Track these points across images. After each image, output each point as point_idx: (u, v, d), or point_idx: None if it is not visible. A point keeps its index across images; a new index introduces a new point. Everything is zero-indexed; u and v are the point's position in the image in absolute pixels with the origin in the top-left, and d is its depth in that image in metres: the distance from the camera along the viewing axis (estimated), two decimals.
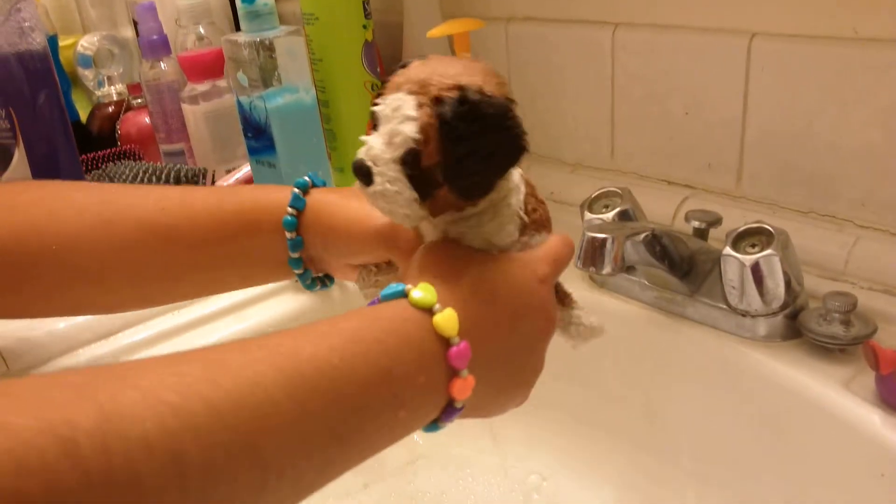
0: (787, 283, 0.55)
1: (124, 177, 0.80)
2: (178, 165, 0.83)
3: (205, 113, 0.90)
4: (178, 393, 0.28)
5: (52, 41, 1.00)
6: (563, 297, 0.46)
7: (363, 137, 0.39)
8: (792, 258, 0.56)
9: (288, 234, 0.46)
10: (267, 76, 0.77)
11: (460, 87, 0.37)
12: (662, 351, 0.63)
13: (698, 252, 0.61)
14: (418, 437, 0.38)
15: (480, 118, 0.37)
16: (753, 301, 0.56)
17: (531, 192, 0.44)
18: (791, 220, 0.64)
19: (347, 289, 0.69)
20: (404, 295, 0.37)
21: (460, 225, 0.41)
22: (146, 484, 0.26)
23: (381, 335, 0.35)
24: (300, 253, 0.47)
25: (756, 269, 0.54)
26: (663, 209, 0.72)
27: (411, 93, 0.37)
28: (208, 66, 0.90)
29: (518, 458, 0.70)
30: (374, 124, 0.39)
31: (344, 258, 0.48)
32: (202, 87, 0.90)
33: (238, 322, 0.65)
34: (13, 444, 0.24)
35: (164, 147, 0.95)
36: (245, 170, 0.90)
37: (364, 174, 0.38)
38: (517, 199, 0.42)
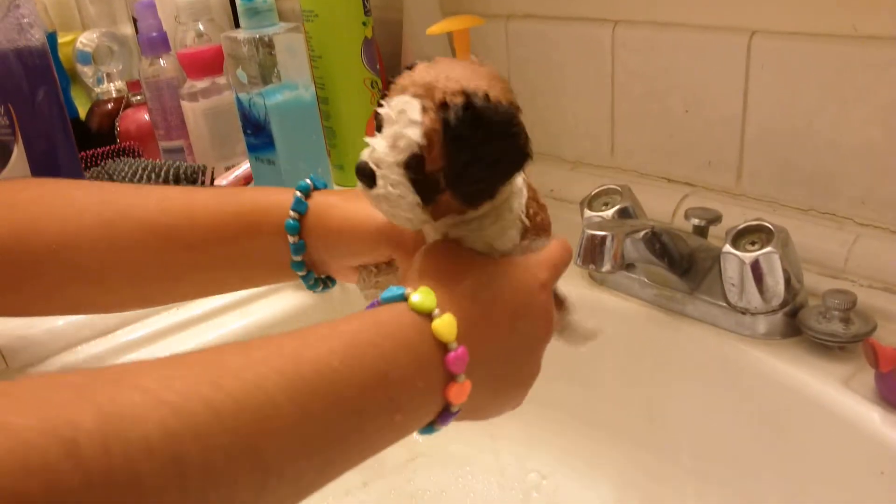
0: (787, 281, 0.55)
1: (123, 174, 0.80)
2: (178, 162, 0.83)
3: (204, 110, 0.90)
4: (179, 394, 0.28)
5: (52, 38, 1.00)
6: (559, 301, 0.46)
7: (367, 139, 0.39)
8: (792, 256, 0.55)
9: (290, 238, 0.46)
10: (266, 73, 0.77)
11: (466, 93, 0.36)
12: (662, 349, 0.63)
13: (698, 250, 0.61)
14: (417, 436, 0.38)
15: (485, 125, 0.36)
16: (753, 299, 0.55)
17: (533, 195, 0.44)
18: (791, 218, 0.64)
19: (347, 287, 0.69)
20: (404, 298, 0.37)
21: (462, 228, 0.41)
22: (146, 484, 0.26)
23: (380, 339, 0.35)
24: (302, 256, 0.47)
25: (756, 266, 0.54)
26: (663, 207, 0.72)
27: (416, 96, 0.37)
28: (207, 63, 0.90)
29: (517, 456, 0.70)
30: (377, 125, 0.39)
31: (346, 259, 0.48)
32: (201, 84, 0.90)
33: (238, 319, 0.65)
34: (14, 444, 0.24)
35: (163, 144, 0.95)
36: (244, 167, 0.90)
37: (367, 176, 0.38)
38: (519, 203, 0.42)
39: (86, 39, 1.02)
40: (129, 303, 0.54)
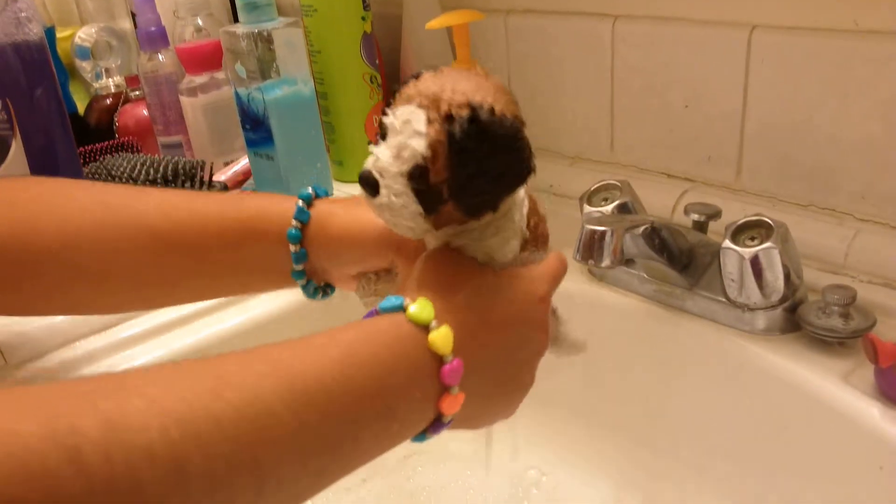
0: (787, 276, 0.55)
1: (122, 169, 0.80)
2: (176, 158, 0.83)
3: (203, 105, 0.90)
4: (180, 403, 0.28)
5: (50, 33, 1.00)
6: (550, 312, 0.46)
7: (371, 147, 0.39)
8: (791, 251, 0.55)
9: (292, 247, 0.46)
10: (265, 68, 0.77)
11: (472, 106, 0.37)
12: (661, 344, 0.63)
13: (697, 245, 0.61)
14: (409, 442, 0.38)
15: (490, 139, 0.37)
16: (752, 294, 0.55)
17: (534, 206, 0.44)
18: (791, 214, 0.64)
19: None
20: (402, 309, 0.37)
21: (463, 237, 0.41)
22: (148, 492, 0.26)
23: (378, 349, 0.35)
24: (303, 265, 0.47)
25: (755, 261, 0.54)
26: (663, 202, 0.72)
27: (422, 107, 0.37)
28: (206, 58, 0.89)
29: (517, 452, 0.70)
30: (381, 134, 0.39)
31: (347, 267, 0.48)
32: (200, 79, 0.90)
33: (235, 316, 0.65)
34: (17, 450, 0.24)
35: (161, 139, 0.95)
36: (243, 162, 0.90)
37: (370, 185, 0.38)
38: (521, 214, 0.42)
39: (84, 34, 1.02)
40: (128, 304, 0.54)
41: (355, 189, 0.80)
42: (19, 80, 0.65)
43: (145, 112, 0.97)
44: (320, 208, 0.47)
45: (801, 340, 0.56)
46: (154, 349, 0.61)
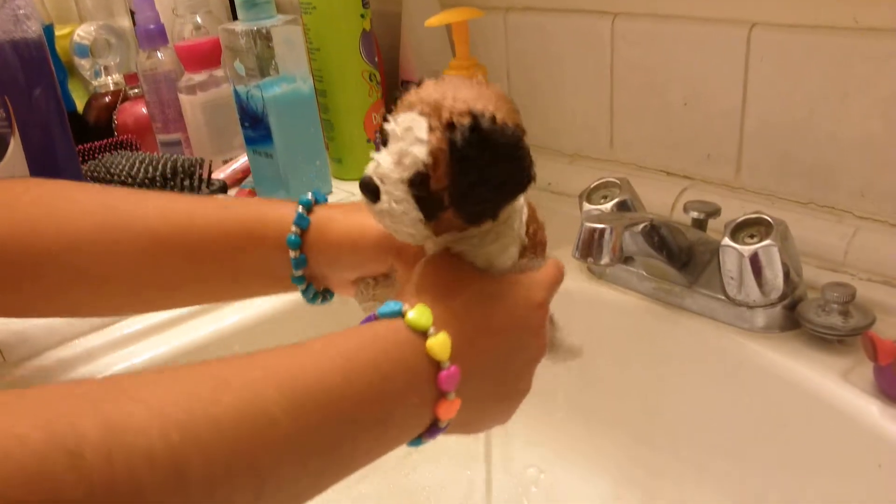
0: (786, 274, 0.54)
1: (121, 167, 0.80)
2: (175, 156, 0.82)
3: (202, 103, 0.89)
4: (182, 408, 0.29)
5: (48, 30, 0.99)
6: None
7: (372, 154, 0.39)
8: (791, 249, 0.55)
9: (292, 253, 0.46)
10: (264, 65, 0.77)
11: (473, 114, 0.37)
12: (660, 342, 0.63)
13: (697, 243, 0.61)
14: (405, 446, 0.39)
15: (491, 147, 0.37)
16: (752, 292, 0.55)
17: (532, 214, 0.44)
18: (790, 211, 0.64)
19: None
20: (401, 314, 0.37)
21: (462, 244, 0.41)
22: (148, 495, 0.26)
23: (376, 355, 0.35)
24: (303, 270, 0.47)
25: (755, 259, 0.54)
26: (662, 200, 0.72)
27: (423, 114, 0.37)
28: (205, 56, 0.89)
29: (516, 450, 0.70)
30: (382, 140, 0.40)
31: (347, 273, 0.48)
32: (199, 76, 0.90)
33: (234, 313, 0.65)
34: (18, 452, 0.24)
35: (160, 137, 0.95)
36: (242, 160, 0.90)
37: (371, 191, 0.39)
38: (520, 221, 0.42)
39: (83, 32, 1.02)
40: (127, 307, 0.54)
41: (354, 187, 0.80)
42: (18, 78, 0.64)
43: (144, 110, 0.96)
44: (320, 214, 0.47)
45: (801, 338, 0.56)
46: (152, 347, 0.61)
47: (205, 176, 0.81)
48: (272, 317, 0.65)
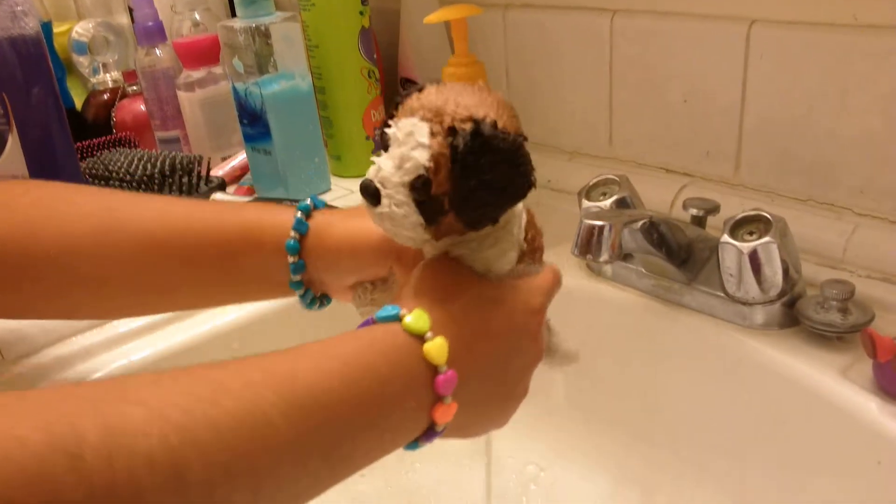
0: (785, 271, 0.54)
1: (119, 164, 0.80)
2: (174, 153, 0.82)
3: (200, 100, 0.89)
4: (182, 411, 0.29)
5: (46, 27, 0.99)
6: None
7: (373, 158, 0.40)
8: (790, 246, 0.55)
9: (290, 258, 0.46)
10: (263, 62, 0.76)
11: (475, 120, 0.37)
12: (659, 339, 0.63)
13: (696, 240, 0.61)
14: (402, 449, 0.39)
15: (492, 152, 0.37)
16: (751, 289, 0.55)
17: (531, 220, 0.44)
18: (789, 208, 0.64)
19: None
20: (398, 319, 0.37)
21: (461, 248, 0.42)
22: (148, 498, 0.27)
23: (374, 359, 0.36)
24: (301, 275, 0.47)
25: (754, 256, 0.54)
26: (661, 197, 0.72)
27: (425, 119, 0.38)
28: (204, 53, 0.89)
29: (515, 448, 0.69)
30: (383, 145, 0.40)
31: (346, 277, 0.48)
32: (198, 73, 0.89)
33: (231, 311, 0.65)
34: (18, 454, 0.25)
35: (159, 134, 0.94)
36: (241, 157, 0.90)
37: (371, 195, 0.39)
38: (519, 227, 0.43)
39: (81, 29, 1.02)
40: (126, 310, 0.55)
41: (353, 184, 0.80)
42: (15, 75, 0.64)
43: (143, 107, 0.96)
44: (319, 219, 0.47)
45: (800, 335, 0.56)
46: (150, 345, 0.61)
47: (203, 173, 0.81)
48: (270, 314, 0.65)
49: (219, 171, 0.88)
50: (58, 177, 0.69)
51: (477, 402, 0.40)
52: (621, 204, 0.63)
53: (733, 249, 0.55)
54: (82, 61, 1.02)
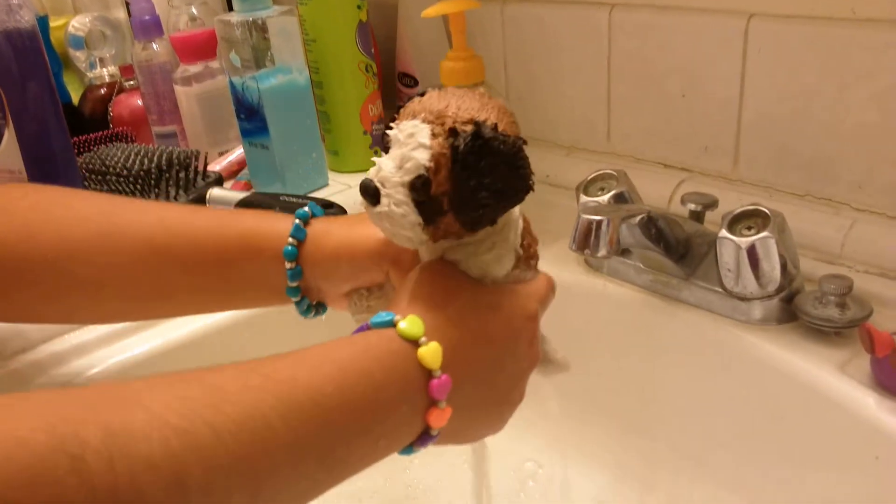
0: (783, 266, 0.54)
1: (116, 159, 0.80)
2: (171, 148, 0.82)
3: (197, 94, 0.89)
4: (182, 416, 0.29)
5: (43, 22, 0.99)
6: None
7: (374, 158, 0.40)
8: (788, 241, 0.55)
9: (288, 264, 0.47)
10: (260, 57, 0.76)
11: (476, 122, 0.38)
12: (657, 335, 0.63)
13: (694, 235, 0.61)
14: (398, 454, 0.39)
15: (493, 154, 0.38)
16: (749, 284, 0.55)
17: (527, 227, 0.45)
18: (788, 204, 0.64)
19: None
20: (393, 325, 0.38)
21: (458, 252, 0.42)
22: (149, 501, 0.27)
23: (369, 365, 0.36)
24: (298, 282, 0.47)
25: (752, 251, 0.54)
26: (659, 192, 0.72)
27: (427, 122, 0.39)
28: (201, 47, 0.89)
29: (512, 445, 0.69)
30: (385, 147, 0.41)
31: (342, 284, 0.48)
32: (195, 68, 0.89)
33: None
34: (22, 455, 0.25)
35: (156, 129, 0.94)
36: (238, 152, 0.89)
37: (371, 194, 0.39)
38: (515, 233, 0.43)
39: (78, 24, 1.01)
40: (123, 315, 0.55)
41: (351, 179, 0.80)
42: (11, 69, 0.64)
43: (140, 102, 0.96)
44: (317, 227, 0.48)
45: (798, 330, 0.56)
46: (146, 341, 0.61)
47: (200, 168, 0.81)
48: (269, 311, 0.65)
49: (216, 166, 0.88)
50: (54, 171, 0.69)
51: (472, 406, 0.41)
52: (619, 199, 0.63)
53: (731, 244, 0.55)
54: (79, 56, 1.02)
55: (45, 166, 0.68)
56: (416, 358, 0.37)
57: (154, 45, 0.91)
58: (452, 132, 0.38)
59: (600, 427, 0.68)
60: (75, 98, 1.03)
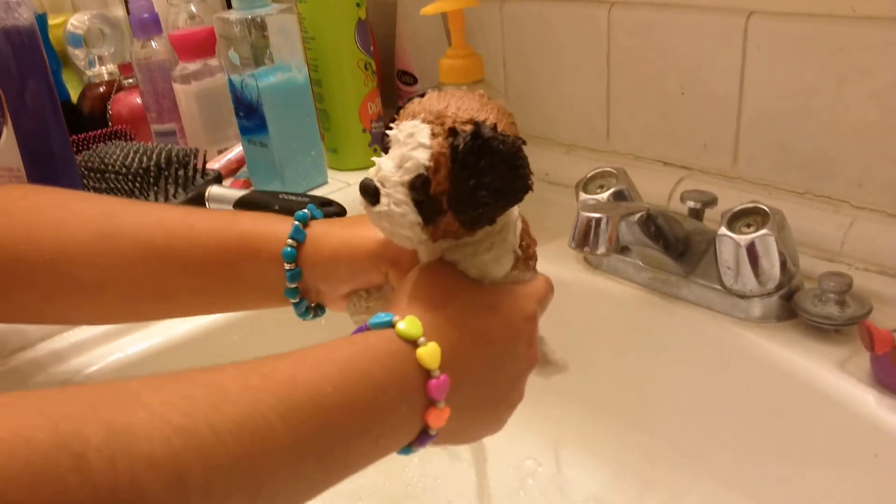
0: (783, 264, 0.54)
1: (115, 157, 0.79)
2: (170, 146, 0.82)
3: (196, 92, 0.89)
4: (183, 415, 0.29)
5: (42, 19, 0.99)
6: None
7: (373, 158, 0.40)
8: (787, 238, 0.55)
9: (287, 266, 0.47)
10: (259, 54, 0.76)
11: (475, 122, 0.38)
12: (657, 332, 0.63)
13: (693, 232, 0.61)
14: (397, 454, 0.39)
15: (492, 154, 0.38)
16: (748, 281, 0.55)
17: (526, 228, 0.45)
18: (787, 201, 0.64)
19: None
20: (391, 325, 0.38)
21: (457, 252, 0.42)
22: (150, 500, 0.27)
23: (369, 366, 0.36)
24: (297, 283, 0.47)
25: (751, 248, 0.54)
26: (659, 190, 0.72)
27: (426, 122, 0.39)
28: (200, 45, 0.89)
29: (512, 443, 0.69)
30: (384, 147, 0.41)
31: (341, 285, 0.48)
32: (194, 66, 0.89)
33: None
34: (25, 453, 0.25)
35: (155, 127, 0.94)
36: (237, 150, 0.89)
37: (371, 194, 0.40)
38: (514, 233, 0.43)
39: (77, 21, 1.01)
40: (122, 317, 0.55)
41: (350, 177, 0.80)
42: (9, 66, 0.64)
43: (138, 100, 0.96)
44: (316, 229, 0.48)
45: (797, 328, 0.56)
46: (146, 338, 0.61)
47: (199, 166, 0.81)
48: (268, 310, 0.65)
49: (215, 164, 0.88)
50: (53, 169, 0.69)
51: (470, 406, 0.41)
52: (619, 196, 0.63)
53: (731, 242, 0.55)
54: (78, 54, 1.02)
55: (43, 164, 0.68)
56: (415, 358, 0.37)
57: (153, 43, 0.91)
58: (452, 132, 0.38)
59: (600, 424, 0.68)
60: (74, 96, 1.03)
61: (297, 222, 0.47)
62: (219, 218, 0.49)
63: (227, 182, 0.85)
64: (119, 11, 1.05)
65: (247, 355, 0.35)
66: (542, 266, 0.46)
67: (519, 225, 0.44)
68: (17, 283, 0.47)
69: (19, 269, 0.47)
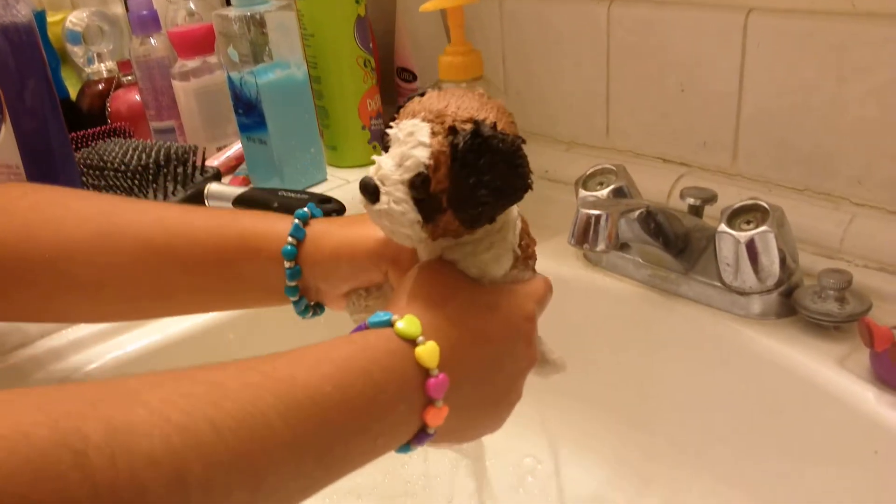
0: (782, 260, 0.54)
1: (114, 155, 0.79)
2: (169, 143, 0.82)
3: (195, 89, 0.89)
4: (183, 412, 0.29)
5: (40, 17, 0.98)
6: None
7: (374, 157, 0.40)
8: (787, 235, 0.55)
9: (287, 264, 0.47)
10: (258, 51, 0.76)
11: (475, 121, 0.39)
12: (656, 329, 0.63)
13: (693, 229, 0.61)
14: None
15: (492, 152, 0.38)
16: (748, 278, 0.55)
17: (525, 228, 0.45)
18: (787, 198, 0.64)
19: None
20: (390, 324, 0.38)
21: (456, 251, 0.42)
22: (150, 498, 0.27)
23: (368, 365, 0.36)
24: (297, 282, 0.47)
25: (751, 245, 0.54)
26: (658, 187, 0.71)
27: (426, 120, 0.39)
28: (199, 42, 0.89)
29: (512, 441, 0.69)
30: (385, 146, 0.41)
31: (341, 284, 0.48)
32: (193, 63, 0.89)
33: None
34: (26, 449, 0.25)
35: (154, 124, 0.94)
36: (236, 147, 0.89)
37: (371, 192, 0.40)
38: (514, 232, 0.43)
39: (75, 19, 1.01)
40: (121, 315, 0.55)
41: (349, 174, 0.80)
42: (8, 64, 0.64)
43: (137, 97, 0.96)
44: (316, 227, 0.48)
45: (797, 325, 0.56)
46: (145, 336, 0.61)
47: (198, 163, 0.81)
48: (268, 308, 0.65)
49: (214, 162, 0.88)
50: (52, 167, 0.69)
51: (469, 405, 0.41)
52: (618, 193, 0.63)
53: (730, 239, 0.55)
54: (76, 51, 1.02)
55: (42, 162, 0.68)
56: (414, 357, 0.37)
57: (152, 41, 0.91)
58: (452, 130, 0.38)
59: (599, 422, 0.68)
60: (73, 93, 1.03)
61: (297, 220, 0.47)
62: (218, 216, 0.49)
63: (226, 179, 0.85)
64: (118, 8, 1.05)
65: (245, 353, 0.35)
66: (541, 263, 0.46)
67: (518, 224, 0.44)
68: (16, 282, 0.47)
69: (18, 267, 0.47)
